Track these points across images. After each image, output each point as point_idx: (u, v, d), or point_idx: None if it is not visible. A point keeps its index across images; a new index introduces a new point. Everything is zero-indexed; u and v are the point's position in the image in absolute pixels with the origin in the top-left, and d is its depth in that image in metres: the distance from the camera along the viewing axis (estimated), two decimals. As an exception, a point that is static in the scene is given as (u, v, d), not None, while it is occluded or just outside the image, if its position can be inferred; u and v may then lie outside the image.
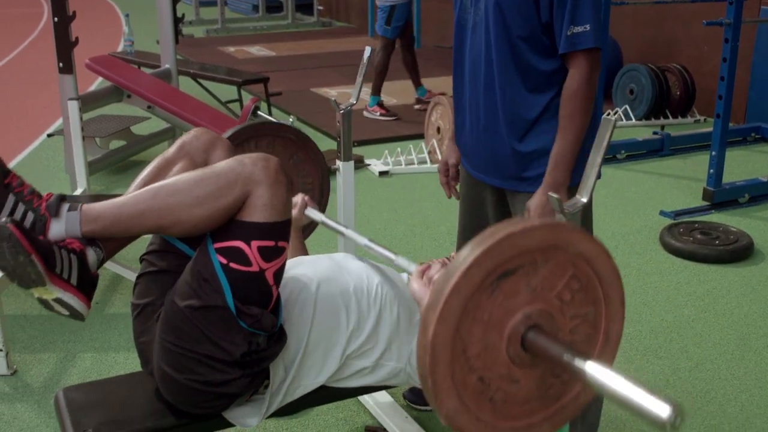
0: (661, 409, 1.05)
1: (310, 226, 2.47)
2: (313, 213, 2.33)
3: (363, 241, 2.06)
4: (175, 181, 1.77)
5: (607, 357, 1.35)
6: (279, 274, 1.78)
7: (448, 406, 1.24)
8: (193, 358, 1.75)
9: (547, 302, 1.27)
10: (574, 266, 1.28)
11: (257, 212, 1.72)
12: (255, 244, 1.72)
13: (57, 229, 1.75)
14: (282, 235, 1.76)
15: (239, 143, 2.44)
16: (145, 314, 1.87)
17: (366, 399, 2.71)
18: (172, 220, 1.74)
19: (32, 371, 2.99)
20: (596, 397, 2.40)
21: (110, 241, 1.84)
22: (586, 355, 1.19)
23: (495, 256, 1.19)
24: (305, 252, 2.35)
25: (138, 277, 1.93)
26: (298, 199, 2.34)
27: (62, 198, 1.79)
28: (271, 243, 1.73)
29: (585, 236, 1.27)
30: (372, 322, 1.95)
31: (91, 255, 1.79)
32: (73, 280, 1.74)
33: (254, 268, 1.72)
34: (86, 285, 1.78)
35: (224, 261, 1.72)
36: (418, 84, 7.14)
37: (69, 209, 1.77)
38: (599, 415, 2.41)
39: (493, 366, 1.26)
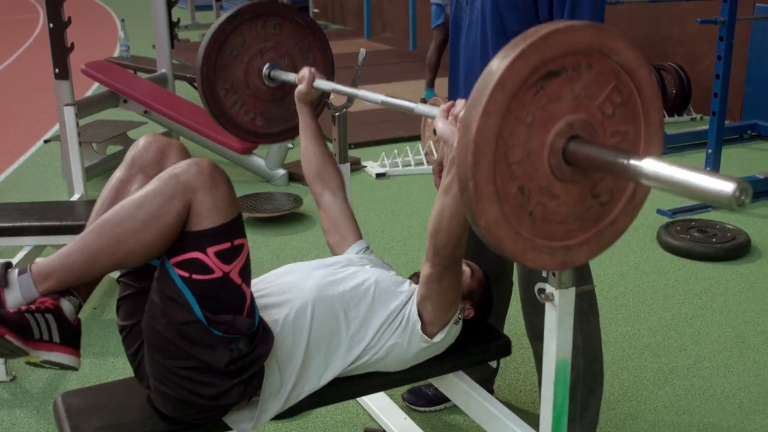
0: (725, 186, 1.04)
1: (322, 100, 2.46)
2: (323, 83, 2.28)
3: (379, 97, 2.02)
4: (116, 211, 1.71)
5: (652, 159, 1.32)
6: (244, 271, 1.76)
7: (489, 214, 1.19)
8: (182, 375, 1.74)
9: (590, 113, 1.24)
10: (617, 77, 1.25)
11: (204, 219, 1.68)
12: (211, 250, 1.69)
13: (14, 298, 1.69)
14: (235, 233, 1.73)
15: (249, 18, 2.46)
16: (132, 335, 1.86)
17: (365, 401, 2.71)
18: (124, 252, 1.69)
19: (31, 377, 2.99)
20: (595, 396, 2.40)
21: (81, 287, 1.79)
22: (636, 153, 1.15)
23: (540, 52, 1.15)
24: (318, 127, 2.34)
25: (119, 300, 1.91)
26: (305, 72, 2.30)
27: (7, 265, 1.72)
28: (227, 245, 1.71)
29: (628, 45, 1.24)
30: (370, 324, 1.95)
31: (67, 306, 1.74)
32: (56, 339, 1.70)
33: (217, 274, 1.70)
34: (69, 337, 1.74)
35: (186, 274, 1.69)
36: (430, 85, 7.22)
37: (19, 274, 1.70)
38: (598, 413, 2.41)
39: (534, 176, 1.23)
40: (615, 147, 1.21)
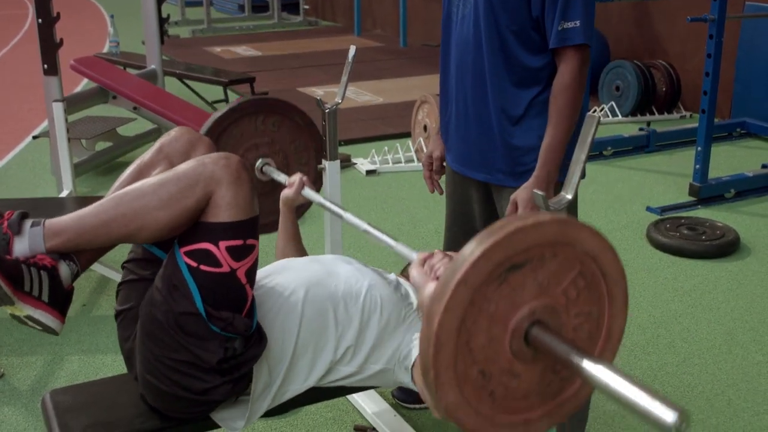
0: (666, 415, 1.02)
1: (305, 205, 2.46)
2: (311, 194, 2.28)
3: (363, 226, 1.99)
4: (138, 186, 1.75)
5: (609, 355, 1.35)
6: (251, 272, 1.77)
7: (448, 398, 1.22)
8: (171, 366, 1.74)
9: (553, 298, 1.26)
10: (581, 263, 1.27)
11: (222, 212, 1.70)
12: (223, 244, 1.70)
13: (21, 247, 1.71)
14: (250, 232, 1.74)
15: (251, 113, 2.47)
16: (127, 319, 1.87)
17: (355, 398, 2.71)
18: (137, 225, 1.72)
19: (19, 374, 2.97)
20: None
21: (84, 254, 1.80)
22: (591, 356, 1.19)
23: (504, 249, 1.17)
24: (297, 231, 2.33)
25: (120, 285, 1.92)
26: (296, 178, 2.31)
27: (24, 215, 1.75)
28: (239, 242, 1.72)
29: (594, 234, 1.26)
30: (360, 327, 1.92)
31: (64, 270, 1.75)
32: (44, 297, 1.71)
33: (225, 269, 1.71)
34: (59, 300, 1.74)
35: (194, 264, 1.70)
36: None
37: (32, 225, 1.73)
38: (588, 409, 2.41)
39: (496, 359, 1.25)
40: (573, 343, 1.23)
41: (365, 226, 1.97)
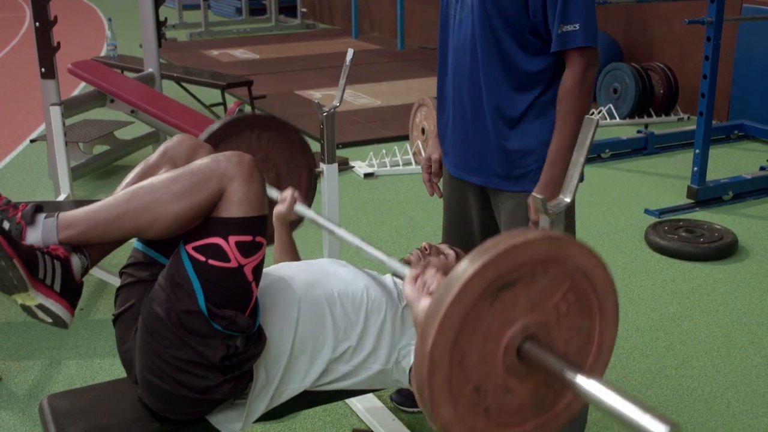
0: (658, 428, 1.03)
1: (297, 220, 2.46)
2: (303, 209, 2.29)
3: (355, 241, 2.00)
4: (151, 181, 1.78)
5: (600, 367, 1.36)
6: (258, 270, 1.78)
7: (444, 416, 1.24)
8: (173, 364, 1.74)
9: (544, 313, 1.28)
10: (572, 278, 1.28)
11: (233, 207, 1.72)
12: (233, 239, 1.72)
13: (33, 237, 1.74)
14: (259, 230, 1.76)
15: (248, 126, 2.47)
16: (126, 321, 1.87)
17: (353, 402, 2.71)
18: (150, 218, 1.74)
19: (17, 379, 2.97)
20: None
21: (94, 249, 1.82)
22: (582, 370, 1.20)
23: (497, 268, 1.19)
24: (293, 245, 2.33)
25: (118, 289, 1.93)
26: (288, 194, 2.32)
27: (38, 207, 1.77)
28: (248, 238, 1.73)
29: (583, 249, 1.28)
30: (358, 327, 1.93)
31: (76, 262, 1.77)
32: (57, 287, 1.72)
33: (233, 264, 1.72)
34: (70, 292, 1.76)
35: (202, 258, 1.71)
36: None
37: (45, 217, 1.76)
38: (586, 413, 2.41)
39: (490, 376, 1.27)
40: (564, 358, 1.24)
41: (357, 242, 1.99)
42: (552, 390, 1.33)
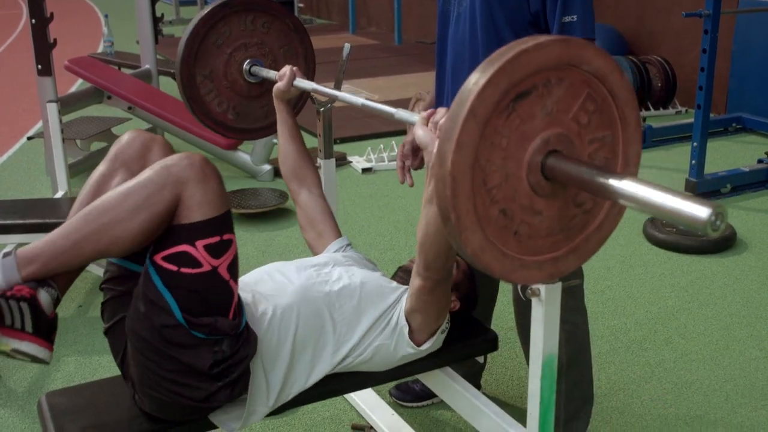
0: (701, 212, 1.02)
1: (301, 99, 2.43)
2: (303, 82, 2.26)
3: (360, 100, 1.99)
4: (103, 200, 1.71)
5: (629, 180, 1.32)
6: (233, 266, 1.75)
7: (473, 242, 1.19)
8: (167, 378, 1.73)
9: (564, 126, 1.23)
10: (589, 86, 1.23)
11: (193, 212, 1.68)
12: (200, 243, 1.68)
13: None
14: (225, 228, 1.72)
15: (241, 10, 2.46)
16: (116, 334, 1.85)
17: (352, 397, 2.71)
18: (109, 240, 1.68)
19: (15, 376, 2.96)
20: (587, 399, 2.41)
21: (61, 277, 1.76)
22: (615, 173, 1.15)
23: (509, 75, 1.14)
24: (297, 127, 2.31)
25: (102, 305, 1.90)
26: (286, 69, 2.28)
27: None
28: (216, 239, 1.70)
29: (598, 52, 1.22)
30: (357, 325, 1.94)
31: (44, 297, 1.71)
32: (28, 328, 1.67)
33: (206, 268, 1.69)
34: (43, 329, 1.70)
35: (174, 268, 1.68)
36: None
37: (3, 257, 1.69)
38: (589, 416, 2.42)
39: (515, 197, 1.22)
40: (593, 165, 1.20)
41: (362, 100, 1.99)
42: (582, 209, 1.29)
